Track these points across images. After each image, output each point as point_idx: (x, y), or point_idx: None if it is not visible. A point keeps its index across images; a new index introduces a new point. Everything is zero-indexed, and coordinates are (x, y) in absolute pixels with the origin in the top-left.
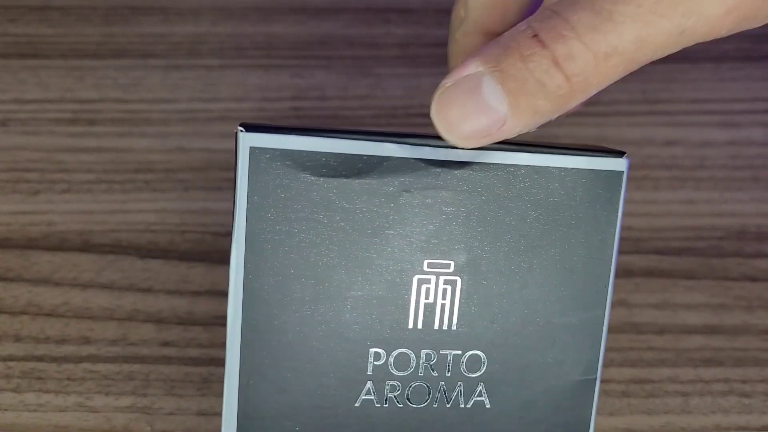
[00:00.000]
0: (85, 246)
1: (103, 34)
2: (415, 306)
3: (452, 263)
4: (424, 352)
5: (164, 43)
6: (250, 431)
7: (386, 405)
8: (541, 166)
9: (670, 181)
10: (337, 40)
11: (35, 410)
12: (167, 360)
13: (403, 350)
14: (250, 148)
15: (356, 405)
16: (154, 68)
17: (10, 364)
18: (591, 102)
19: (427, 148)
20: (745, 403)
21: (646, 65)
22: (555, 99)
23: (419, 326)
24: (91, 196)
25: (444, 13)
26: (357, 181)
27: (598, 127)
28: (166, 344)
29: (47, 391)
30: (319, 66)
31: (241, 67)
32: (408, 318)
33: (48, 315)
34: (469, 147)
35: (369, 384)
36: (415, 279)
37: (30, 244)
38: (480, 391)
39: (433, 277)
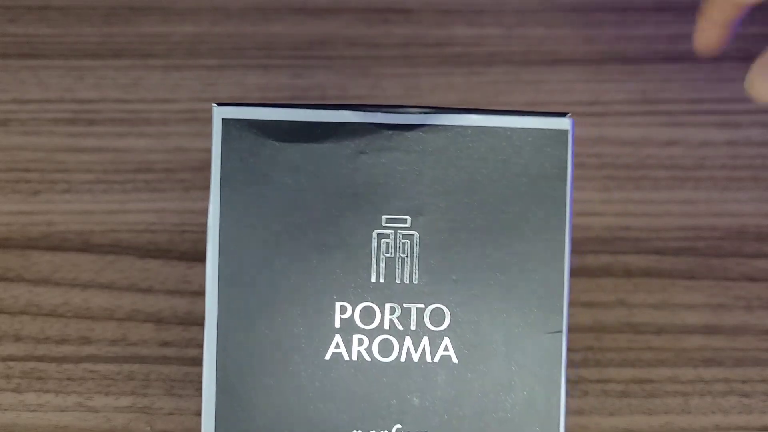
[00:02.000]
0: (85, 246)
1: (102, 34)
2: (377, 260)
3: (409, 219)
4: (387, 305)
5: (164, 43)
6: (228, 383)
7: (355, 359)
8: (488, 127)
9: (670, 181)
10: (337, 40)
11: (35, 410)
12: (167, 360)
13: (367, 304)
14: (222, 119)
15: (326, 358)
16: (153, 68)
17: (10, 364)
18: (590, 102)
19: (379, 113)
20: (745, 403)
21: (645, 65)
22: None
23: (381, 280)
24: (91, 196)
25: (443, 13)
26: (317, 145)
27: (598, 127)
28: (165, 344)
29: (47, 391)
30: (318, 66)
31: (240, 67)
32: (370, 272)
33: (48, 315)
34: None
35: (337, 337)
36: (374, 234)
37: (30, 244)
38: (446, 345)
39: (391, 232)
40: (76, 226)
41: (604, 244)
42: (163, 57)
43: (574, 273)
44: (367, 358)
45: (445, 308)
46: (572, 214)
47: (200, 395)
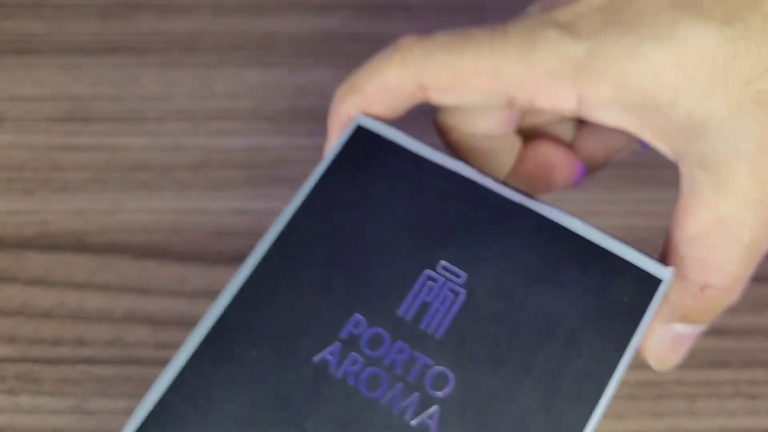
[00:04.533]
0: (80, 246)
1: (98, 30)
2: (414, 297)
3: (465, 276)
4: (399, 342)
5: (160, 39)
6: (223, 336)
7: (340, 376)
8: (580, 236)
9: (676, 180)
10: (337, 37)
11: (31, 412)
12: (163, 362)
13: (381, 330)
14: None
15: (314, 359)
16: (150, 65)
17: (5, 365)
18: None
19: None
20: (751, 404)
21: None
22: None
23: (408, 318)
24: (87, 195)
25: (444, 9)
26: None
27: None
28: (162, 346)
29: (43, 394)
30: (318, 63)
31: (238, 64)
32: (401, 304)
33: (43, 316)
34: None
35: (337, 345)
36: (425, 273)
37: (25, 244)
38: (432, 413)
39: (441, 279)
40: (71, 225)
41: None
42: (159, 54)
43: None
44: (350, 383)
45: (451, 375)
46: (632, 357)
47: None
